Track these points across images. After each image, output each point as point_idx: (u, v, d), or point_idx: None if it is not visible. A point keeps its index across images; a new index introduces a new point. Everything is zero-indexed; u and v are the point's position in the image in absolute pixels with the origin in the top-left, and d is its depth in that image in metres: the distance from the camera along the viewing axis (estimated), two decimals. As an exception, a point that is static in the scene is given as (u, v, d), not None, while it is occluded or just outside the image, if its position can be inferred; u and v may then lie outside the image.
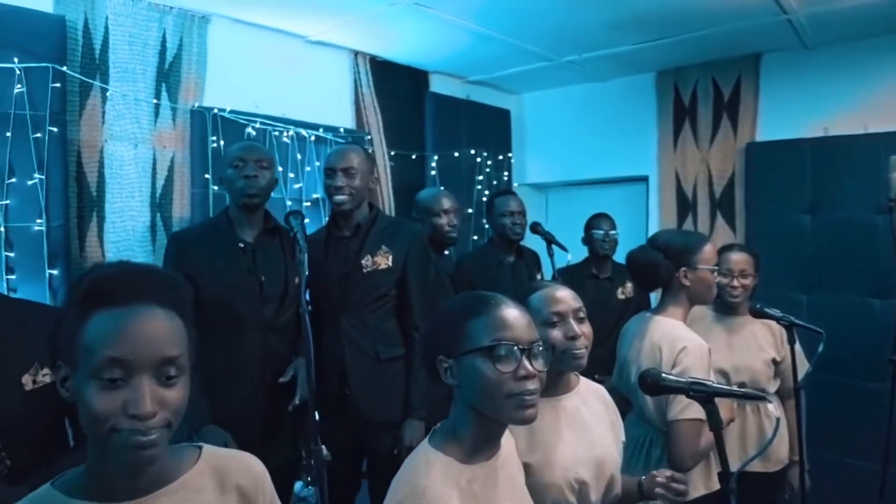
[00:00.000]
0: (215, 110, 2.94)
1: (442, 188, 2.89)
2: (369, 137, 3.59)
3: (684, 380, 1.43)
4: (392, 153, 3.72)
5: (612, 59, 3.68)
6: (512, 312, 1.18)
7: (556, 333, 1.48)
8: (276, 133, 3.18)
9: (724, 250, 2.45)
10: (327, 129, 3.38)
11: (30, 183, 2.43)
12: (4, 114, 2.38)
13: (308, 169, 3.30)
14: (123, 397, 0.85)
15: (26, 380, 1.38)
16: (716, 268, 2.02)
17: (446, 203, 2.89)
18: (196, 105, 2.92)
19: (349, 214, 2.35)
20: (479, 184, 4.16)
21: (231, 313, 2.15)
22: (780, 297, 2.25)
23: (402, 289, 2.34)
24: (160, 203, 2.86)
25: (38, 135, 2.44)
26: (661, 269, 1.96)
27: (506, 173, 4.38)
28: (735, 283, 2.40)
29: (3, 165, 2.39)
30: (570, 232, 3.34)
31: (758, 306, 2.11)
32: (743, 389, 1.79)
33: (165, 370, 0.88)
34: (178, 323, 0.92)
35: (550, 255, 2.94)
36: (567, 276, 3.19)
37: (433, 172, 3.90)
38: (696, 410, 1.64)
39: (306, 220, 3.26)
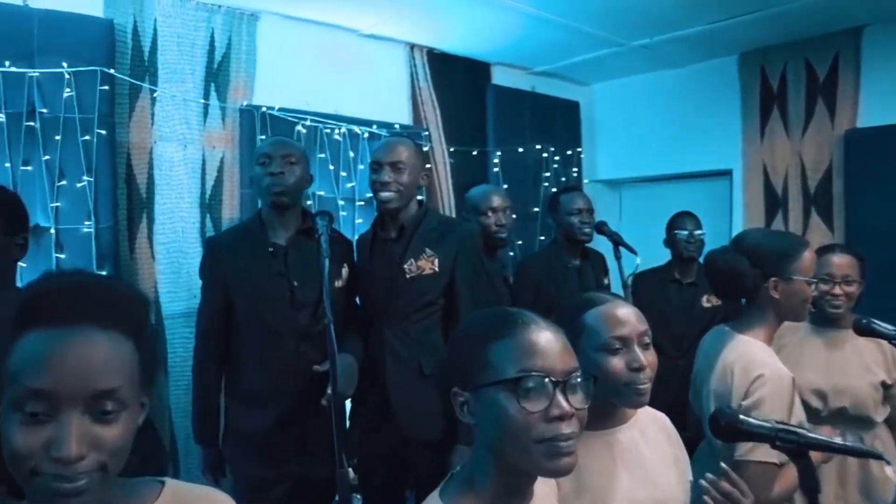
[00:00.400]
0: (264, 109, 2.86)
1: (493, 185, 2.67)
2: (426, 133, 3.43)
3: (769, 425, 1.15)
4: (451, 150, 3.54)
5: (689, 41, 3.33)
6: (544, 335, 0.95)
7: (617, 363, 1.23)
8: (328, 130, 3.07)
9: (822, 252, 2.09)
10: (381, 125, 3.24)
11: (79, 185, 2.42)
12: (54, 118, 2.38)
13: (361, 167, 3.17)
14: (47, 435, 0.70)
15: None
16: (814, 280, 1.69)
17: (495, 200, 2.66)
18: (245, 104, 2.85)
19: (395, 213, 2.18)
20: (545, 181, 3.92)
21: (262, 320, 2.03)
22: (888, 308, 1.90)
23: (451, 297, 2.15)
24: (209, 204, 2.81)
25: (87, 137, 2.43)
26: (747, 279, 1.66)
27: (575, 169, 4.11)
28: (837, 290, 2.05)
29: (54, 168, 2.39)
30: (646, 232, 3.05)
31: (863, 321, 1.76)
32: (848, 444, 1.48)
33: (100, 404, 0.73)
34: (125, 348, 0.77)
35: (617, 258, 2.67)
36: (646, 281, 2.91)
37: (496, 169, 3.70)
38: (767, 452, 1.36)
39: (358, 221, 3.18)
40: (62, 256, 2.39)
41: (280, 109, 2.91)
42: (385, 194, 2.12)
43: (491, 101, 3.69)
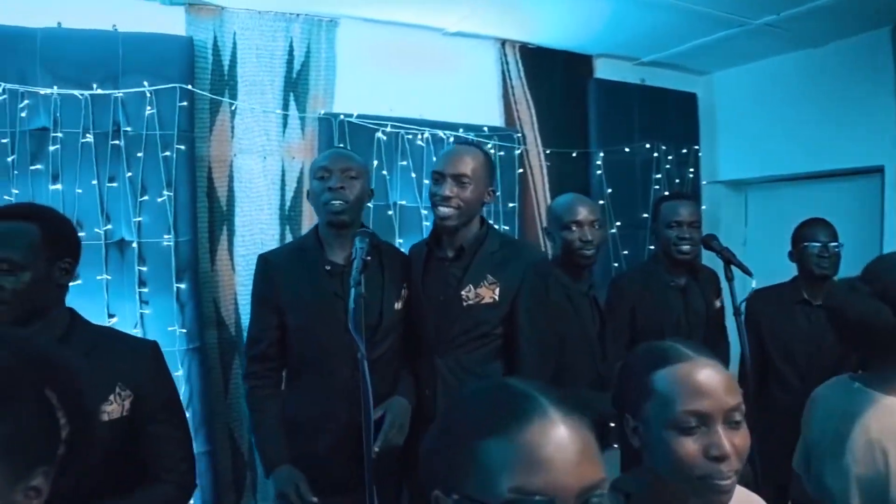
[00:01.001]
0: (341, 116, 2.78)
1: (579, 194, 2.36)
2: (519, 135, 3.20)
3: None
4: (547, 152, 3.28)
5: (827, 13, 2.79)
6: (553, 435, 0.69)
7: (691, 447, 0.95)
8: (410, 136, 2.94)
9: None
10: (469, 128, 3.06)
11: (159, 200, 2.48)
12: (137, 135, 2.45)
13: (446, 174, 3.00)
14: None
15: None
16: None
17: (581, 212, 2.26)
18: (322, 112, 2.79)
19: (453, 232, 1.97)
20: (656, 183, 3.53)
21: (317, 345, 1.91)
22: None
23: (511, 329, 1.92)
24: (289, 215, 2.79)
25: (167, 153, 2.47)
26: (888, 333, 1.26)
27: (691, 170, 3.67)
28: None
29: (137, 184, 2.45)
30: (777, 241, 2.61)
31: None
32: None
33: None
34: None
35: (729, 279, 2.24)
36: (766, 300, 2.48)
37: (599, 172, 3.38)
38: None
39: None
40: (144, 269, 2.46)
41: (359, 116, 2.82)
42: (444, 210, 1.92)
43: (593, 97, 3.37)
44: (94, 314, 2.40)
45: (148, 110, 2.45)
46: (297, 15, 2.77)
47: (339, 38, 2.87)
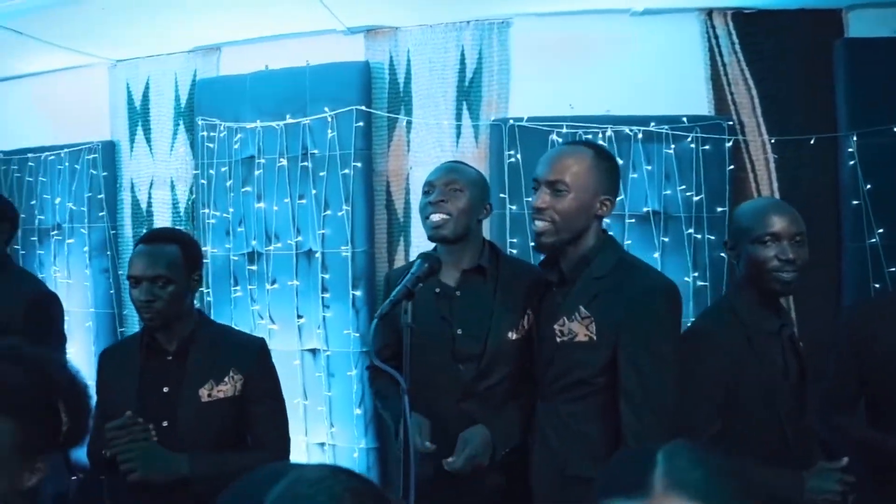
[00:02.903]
0: (511, 121, 2.67)
1: (776, 199, 1.79)
2: (731, 123, 2.64)
3: None
4: (773, 140, 2.64)
5: None
6: None
7: None
8: (589, 136, 2.67)
9: None
10: (661, 120, 2.65)
11: (339, 214, 2.73)
12: (321, 156, 2.74)
13: (634, 175, 2.66)
14: None
15: (202, 392, 1.64)
16: None
17: (779, 221, 1.66)
18: (493, 118, 2.72)
19: (554, 251, 1.71)
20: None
21: (425, 372, 1.83)
22: None
23: (612, 379, 1.54)
24: (463, 226, 2.79)
25: (346, 171, 2.71)
26: None
27: None
28: None
29: (321, 200, 2.75)
30: None
31: None
32: None
33: None
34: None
35: None
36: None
37: (851, 162, 2.58)
38: None
39: (627, 241, 2.66)
40: (326, 276, 2.75)
41: (530, 119, 2.67)
42: (537, 223, 1.65)
43: (842, 64, 2.58)
44: (286, 315, 2.81)
45: (329, 133, 2.72)
46: (468, 22, 2.75)
47: (512, 39, 2.75)
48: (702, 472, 0.66)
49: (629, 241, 2.66)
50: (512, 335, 1.77)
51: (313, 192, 2.75)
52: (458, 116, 2.78)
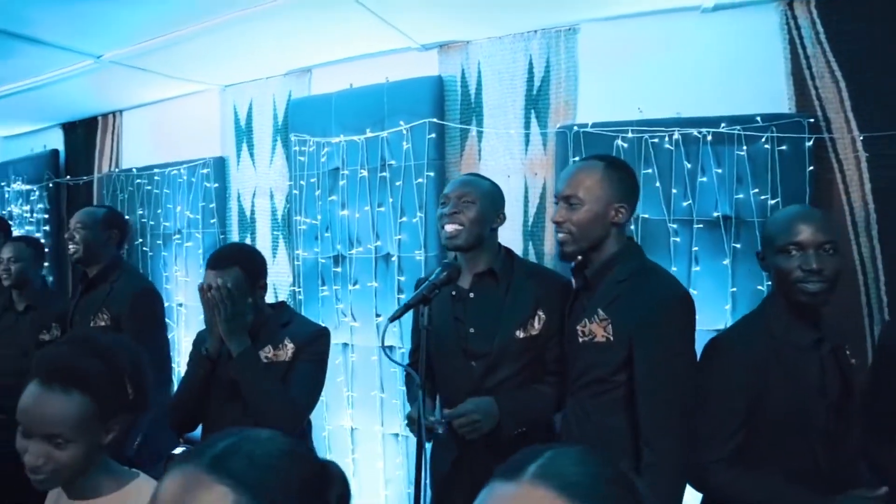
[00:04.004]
0: (576, 128, 2.71)
1: (807, 206, 1.71)
2: (811, 121, 2.49)
3: None
4: (863, 137, 2.46)
5: None
6: None
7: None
8: (655, 140, 2.64)
9: None
10: (733, 120, 2.56)
11: (414, 221, 2.91)
12: (398, 167, 2.94)
13: (703, 179, 2.59)
14: None
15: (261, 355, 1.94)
16: None
17: (803, 229, 1.60)
18: (559, 126, 2.77)
19: (576, 259, 1.82)
20: None
21: (443, 369, 2.00)
22: None
23: (629, 378, 1.64)
24: (532, 231, 2.88)
25: (420, 180, 2.89)
26: None
27: None
28: None
29: (397, 208, 2.95)
30: None
31: None
32: None
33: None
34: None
35: None
36: None
37: (956, 157, 2.36)
38: None
39: (694, 248, 2.61)
40: (402, 279, 2.94)
41: (595, 125, 2.69)
42: (559, 235, 1.79)
43: (947, 51, 2.36)
44: (366, 313, 3.04)
45: (405, 145, 2.91)
46: (535, 31, 2.81)
47: (579, 45, 2.78)
48: (577, 470, 0.67)
49: (696, 248, 2.60)
50: (520, 334, 1.91)
51: (390, 200, 2.96)
52: (527, 125, 2.86)
